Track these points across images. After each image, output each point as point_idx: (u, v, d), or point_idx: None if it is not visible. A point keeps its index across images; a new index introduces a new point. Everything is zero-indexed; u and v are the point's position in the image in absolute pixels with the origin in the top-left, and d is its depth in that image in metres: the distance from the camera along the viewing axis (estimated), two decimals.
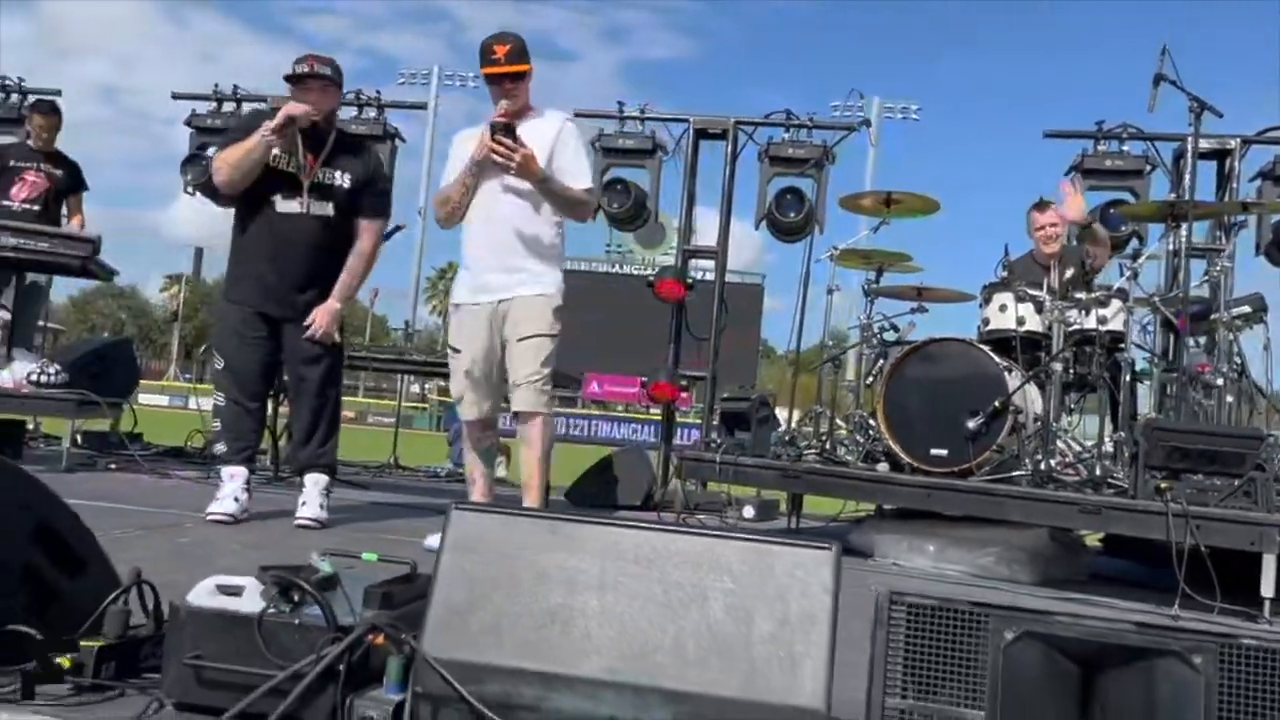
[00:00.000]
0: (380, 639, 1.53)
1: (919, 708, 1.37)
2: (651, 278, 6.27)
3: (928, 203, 4.82)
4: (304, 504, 3.91)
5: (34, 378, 5.22)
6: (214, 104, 6.96)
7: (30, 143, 6.08)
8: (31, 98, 6.87)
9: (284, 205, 3.86)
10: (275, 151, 3.80)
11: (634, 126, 6.64)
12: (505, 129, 3.43)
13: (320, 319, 3.93)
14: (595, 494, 5.88)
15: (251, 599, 1.61)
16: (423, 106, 7.40)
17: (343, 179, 3.93)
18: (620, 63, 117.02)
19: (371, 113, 6.73)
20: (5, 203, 5.81)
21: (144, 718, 1.56)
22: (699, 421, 7.48)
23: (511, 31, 3.70)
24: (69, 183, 6.12)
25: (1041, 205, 4.92)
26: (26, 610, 1.74)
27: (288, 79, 3.86)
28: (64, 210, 6.12)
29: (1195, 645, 1.30)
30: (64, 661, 1.63)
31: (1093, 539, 5.08)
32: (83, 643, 1.69)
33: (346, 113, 6.73)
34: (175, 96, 7.04)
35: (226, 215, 4.08)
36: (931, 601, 1.38)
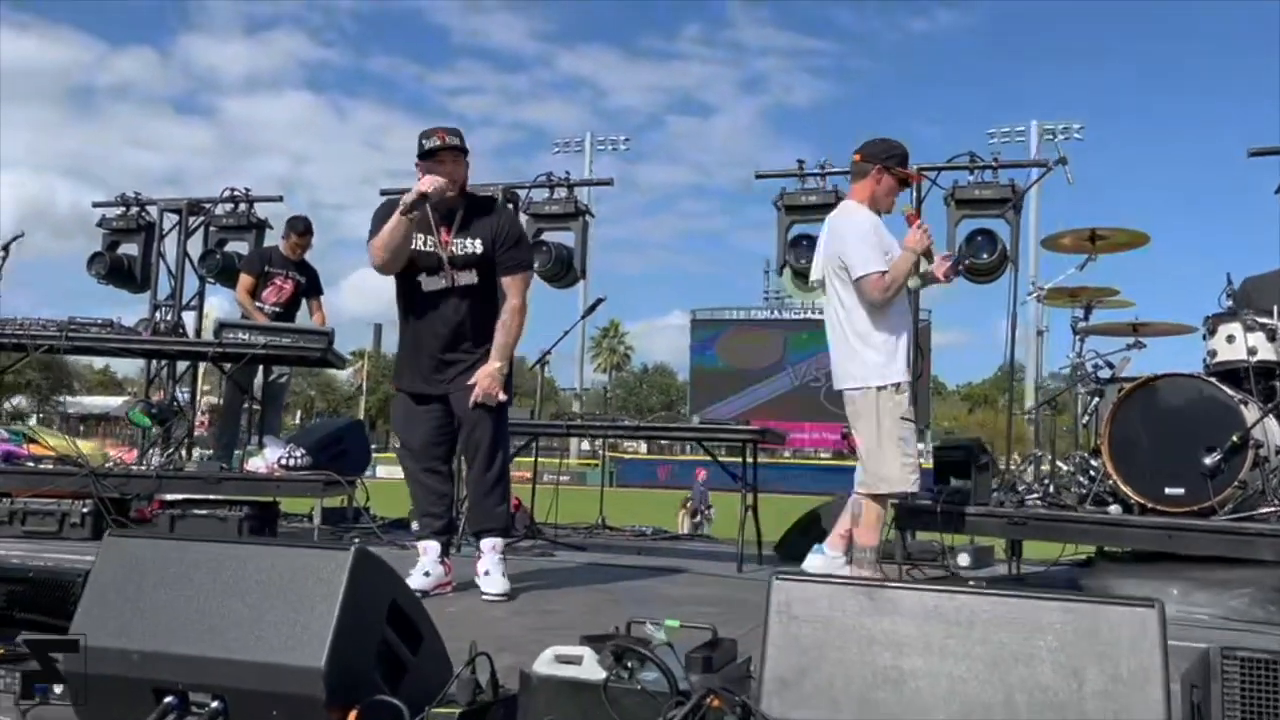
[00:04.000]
0: (717, 701, 1.67)
1: None
2: None
3: (1135, 236, 4.72)
4: (486, 574, 3.98)
5: (284, 462, 5.71)
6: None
7: (286, 253, 6.74)
8: (259, 207, 7.60)
9: (430, 284, 3.98)
10: (417, 233, 3.87)
11: (814, 183, 6.75)
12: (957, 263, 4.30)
13: (482, 383, 3.97)
14: (806, 547, 5.91)
15: (590, 667, 1.78)
16: (610, 183, 7.69)
17: (476, 245, 3.96)
18: (761, 111, 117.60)
19: (562, 193, 7.09)
20: (258, 304, 6.47)
21: None
22: None
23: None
24: (310, 287, 6.77)
25: None
26: (385, 682, 1.97)
27: (421, 156, 3.91)
28: (306, 309, 6.77)
29: None
30: None
31: None
32: (438, 710, 1.90)
33: (538, 194, 7.14)
34: (383, 193, 7.58)
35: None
36: (1265, 656, 1.41)
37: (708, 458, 6.15)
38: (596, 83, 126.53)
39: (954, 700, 1.51)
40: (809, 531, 6.04)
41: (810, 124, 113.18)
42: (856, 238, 4.00)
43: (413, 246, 3.90)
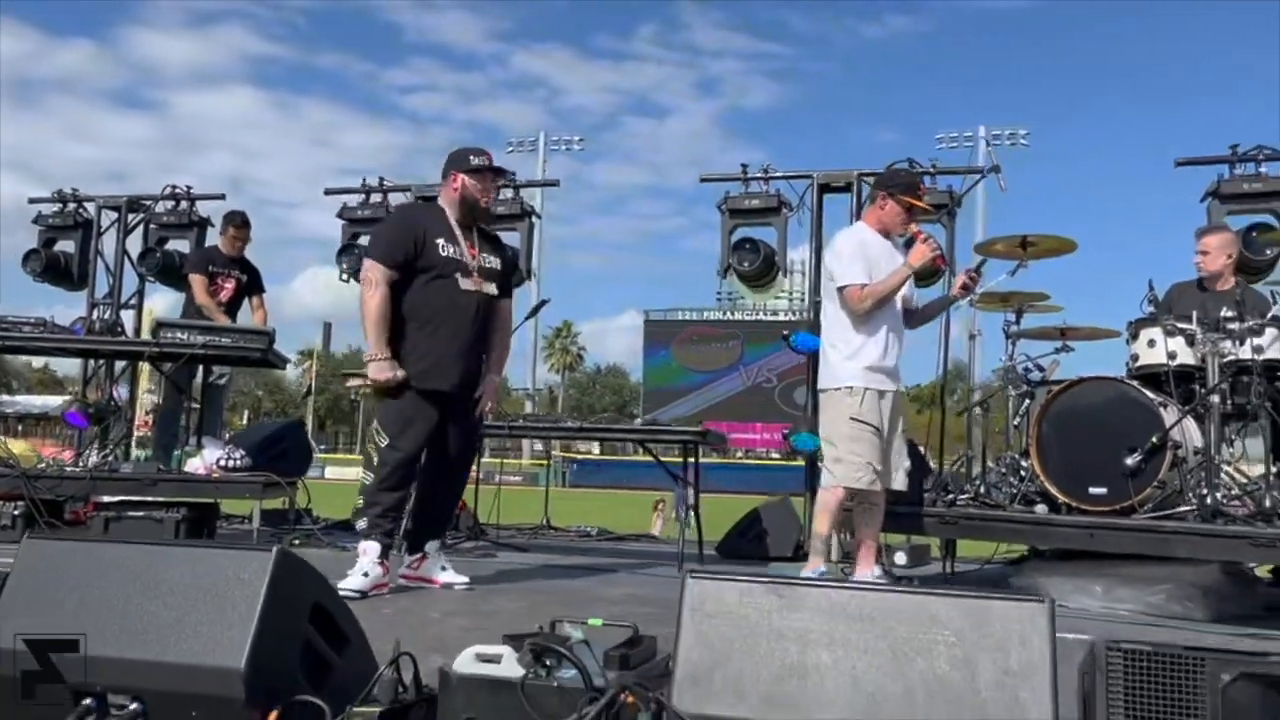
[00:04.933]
0: (631, 698, 1.71)
1: None
2: (786, 332, 6.40)
3: (1064, 243, 4.85)
4: (444, 569, 4.20)
5: (223, 463, 5.66)
6: (362, 196, 7.45)
7: (225, 249, 6.68)
8: (200, 205, 7.51)
9: (465, 284, 4.10)
10: (440, 240, 4.05)
11: (758, 186, 6.83)
12: (977, 268, 4.52)
13: (489, 395, 4.24)
14: (746, 547, 6.00)
15: (510, 665, 1.82)
16: (556, 184, 7.76)
17: (495, 261, 4.26)
18: (716, 113, 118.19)
19: (508, 193, 7.10)
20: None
21: None
22: None
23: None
24: (252, 284, 6.70)
25: (1199, 231, 5.03)
26: (309, 683, 1.98)
27: (470, 170, 4.12)
28: (247, 307, 6.71)
29: None
30: None
31: (1263, 570, 4.95)
32: (359, 709, 1.92)
33: None
34: (329, 192, 7.55)
35: (352, 291, 4.38)
36: (1147, 648, 1.49)
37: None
38: (551, 82, 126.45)
39: (856, 692, 1.56)
40: (748, 531, 6.14)
41: (765, 126, 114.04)
42: (841, 251, 4.38)
43: (444, 253, 4.06)
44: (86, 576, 2.00)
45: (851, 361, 4.28)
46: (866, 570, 4.40)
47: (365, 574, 3.97)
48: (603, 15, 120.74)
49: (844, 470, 4.24)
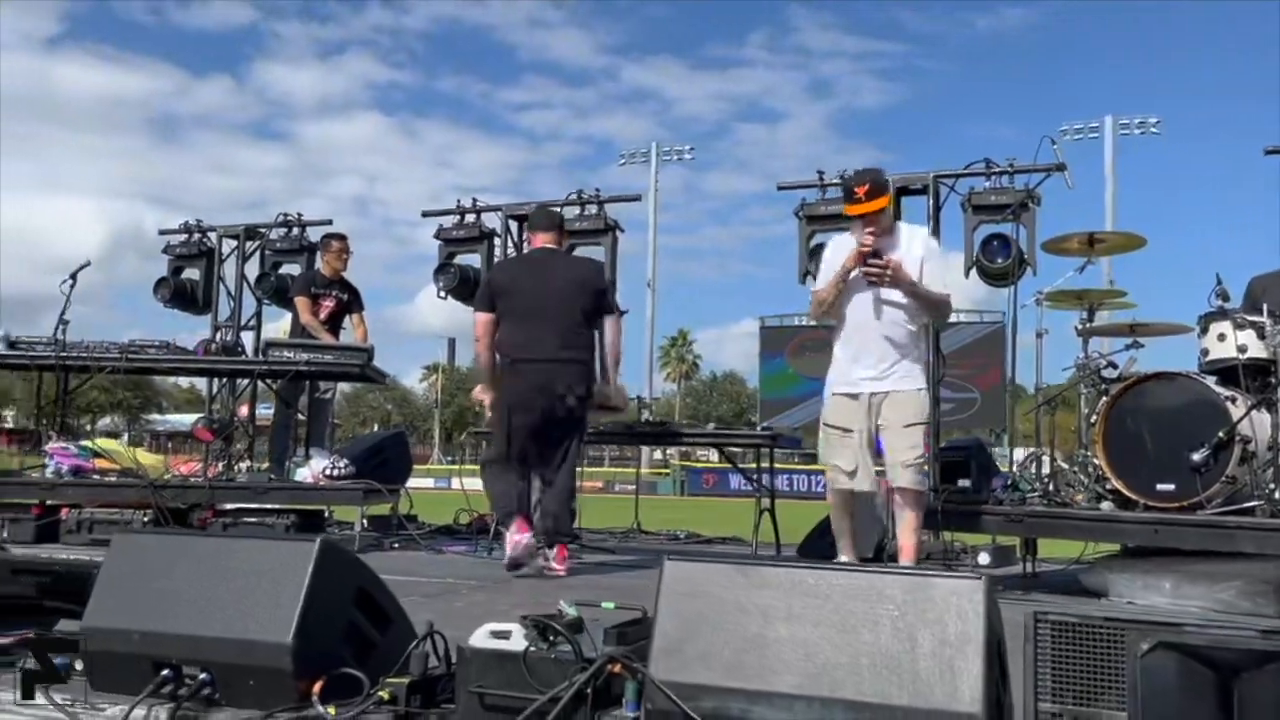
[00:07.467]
0: (618, 668, 1.90)
1: (1068, 711, 1.59)
2: None
3: (1132, 239, 4.81)
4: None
5: (328, 472, 6.07)
6: (457, 217, 7.82)
7: (325, 271, 7.15)
8: (310, 230, 8.02)
9: None
10: None
11: (835, 192, 6.90)
12: (873, 254, 4.14)
13: None
14: (825, 548, 6.07)
15: (517, 640, 2.03)
16: (638, 198, 7.92)
17: None
18: (829, 116, 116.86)
19: (592, 209, 7.36)
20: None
21: None
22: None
23: (870, 169, 4.38)
24: (352, 303, 7.15)
25: None
26: (353, 658, 2.24)
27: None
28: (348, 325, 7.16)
29: None
30: (384, 695, 2.11)
31: None
32: (392, 680, 2.16)
33: (569, 211, 7.43)
34: (426, 215, 7.95)
35: (467, 309, 4.76)
36: (1072, 619, 1.60)
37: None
38: (662, 93, 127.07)
39: (809, 661, 1.72)
40: (829, 532, 6.21)
41: (880, 127, 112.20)
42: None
43: None
44: (166, 564, 2.31)
45: (830, 369, 4.41)
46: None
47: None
48: (711, 23, 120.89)
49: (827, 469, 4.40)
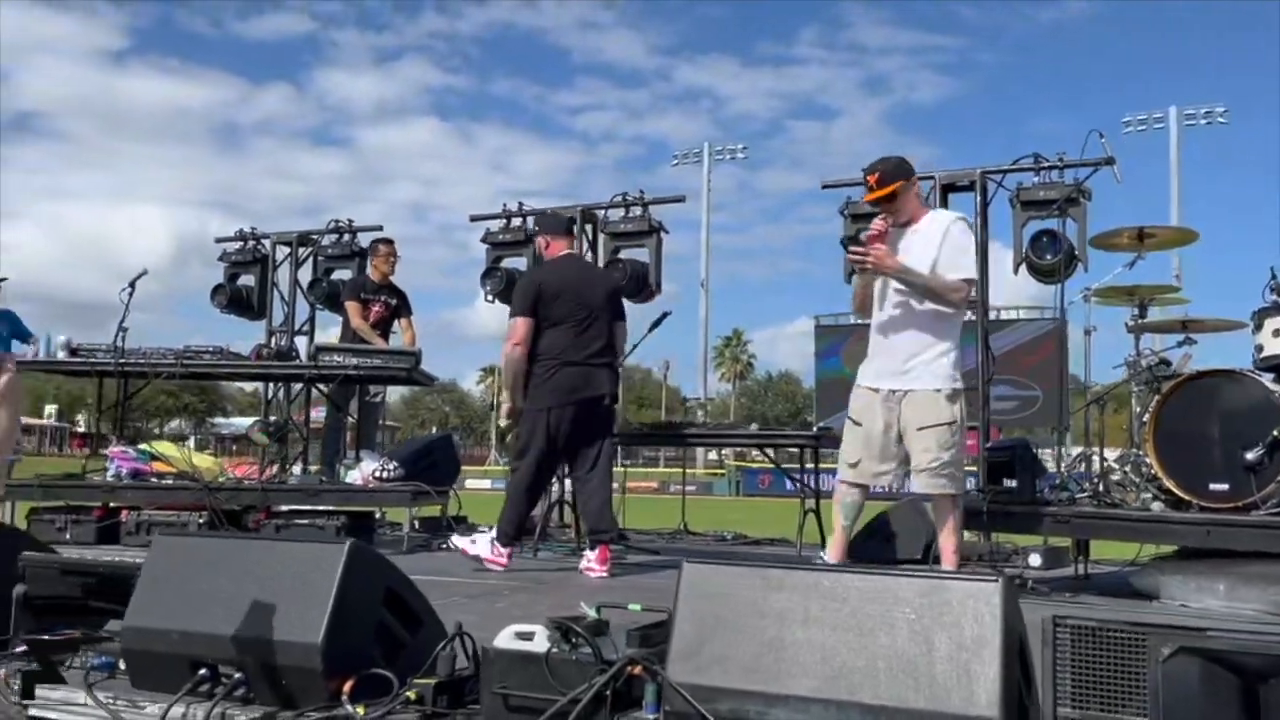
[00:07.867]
0: (638, 670, 1.91)
1: (1089, 717, 1.56)
2: None
3: (1184, 233, 4.70)
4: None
5: (378, 475, 6.16)
6: (504, 221, 7.89)
7: (374, 276, 7.26)
8: (360, 236, 8.14)
9: None
10: None
11: None
12: (852, 239, 4.18)
13: None
14: (874, 550, 6.02)
15: (540, 642, 2.05)
16: (683, 199, 7.91)
17: None
18: (884, 112, 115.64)
19: (637, 210, 7.38)
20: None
21: None
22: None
23: (885, 157, 4.27)
24: (401, 308, 7.25)
25: None
26: (382, 658, 2.28)
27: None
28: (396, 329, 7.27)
29: None
30: (411, 695, 2.14)
31: None
32: (419, 680, 2.19)
33: (614, 213, 7.46)
34: (473, 219, 8.03)
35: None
36: (1091, 623, 1.57)
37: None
38: (715, 92, 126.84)
39: (826, 664, 1.71)
40: (876, 534, 6.15)
41: (937, 122, 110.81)
42: None
43: None
44: (203, 566, 2.37)
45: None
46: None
47: None
48: (763, 21, 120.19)
49: None
